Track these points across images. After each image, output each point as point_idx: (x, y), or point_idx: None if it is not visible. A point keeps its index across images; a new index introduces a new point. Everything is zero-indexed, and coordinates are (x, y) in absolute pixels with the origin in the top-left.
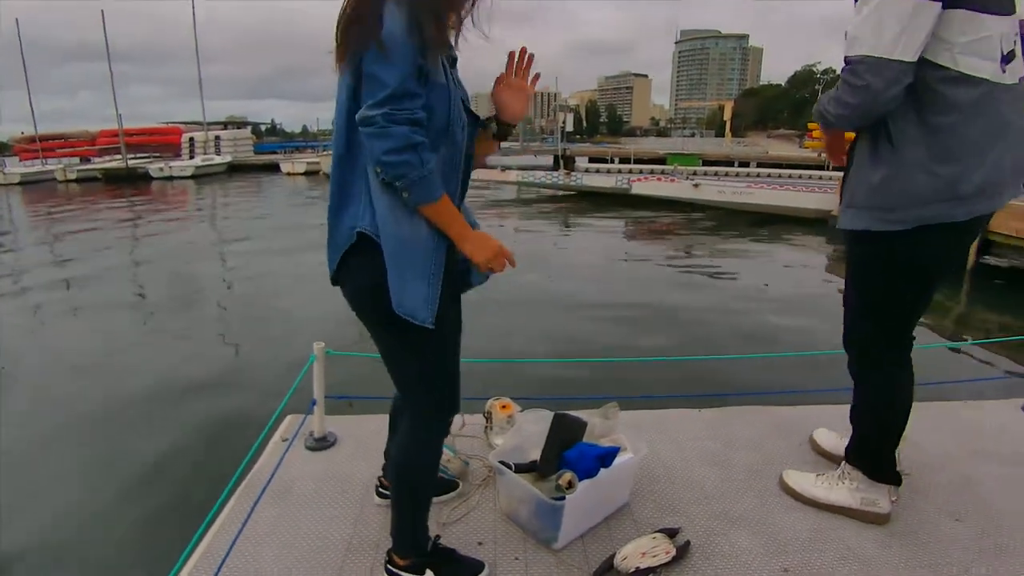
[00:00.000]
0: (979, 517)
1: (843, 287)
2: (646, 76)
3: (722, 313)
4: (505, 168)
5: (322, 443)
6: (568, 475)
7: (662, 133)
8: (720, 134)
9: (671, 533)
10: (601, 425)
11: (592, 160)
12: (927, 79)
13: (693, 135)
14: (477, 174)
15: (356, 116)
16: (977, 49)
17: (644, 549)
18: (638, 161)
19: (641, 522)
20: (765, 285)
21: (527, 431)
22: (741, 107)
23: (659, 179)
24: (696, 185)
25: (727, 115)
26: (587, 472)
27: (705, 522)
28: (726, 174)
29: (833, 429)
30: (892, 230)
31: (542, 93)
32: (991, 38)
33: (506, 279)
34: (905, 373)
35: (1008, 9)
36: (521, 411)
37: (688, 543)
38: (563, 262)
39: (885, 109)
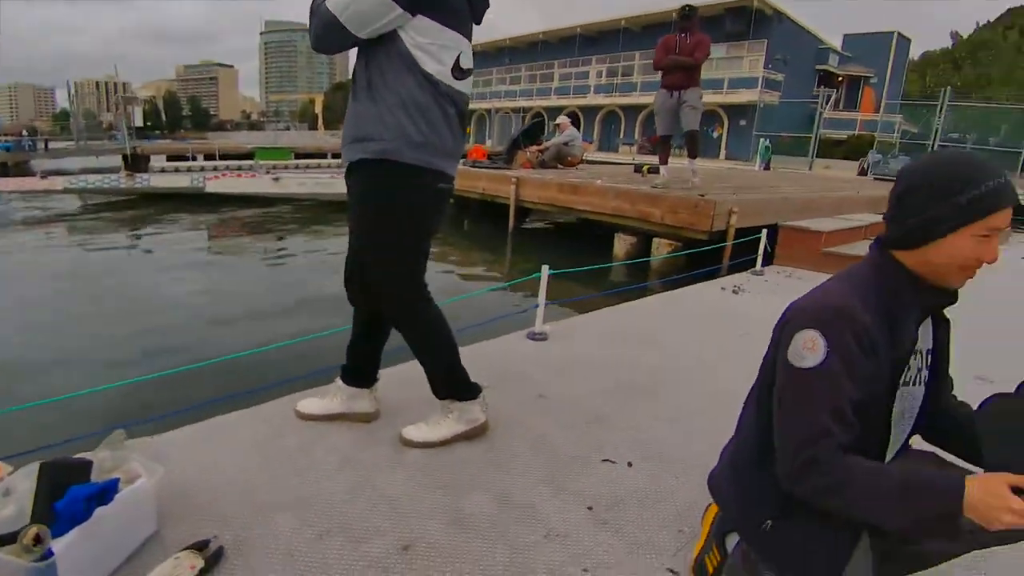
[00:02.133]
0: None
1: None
2: (232, 67)
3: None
4: (47, 174)
5: None
6: (32, 530)
7: (255, 126)
8: (313, 127)
9: (200, 546)
10: (111, 458)
11: (171, 158)
12: None
13: (288, 128)
14: (4, 184)
15: None
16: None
17: (165, 574)
18: (224, 157)
19: (172, 545)
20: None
21: (21, 492)
22: (332, 100)
23: (239, 175)
24: (276, 179)
25: (318, 108)
26: (77, 518)
27: (245, 519)
28: (318, 166)
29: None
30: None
31: (102, 82)
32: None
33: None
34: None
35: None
36: (12, 472)
37: (221, 548)
38: (136, 269)
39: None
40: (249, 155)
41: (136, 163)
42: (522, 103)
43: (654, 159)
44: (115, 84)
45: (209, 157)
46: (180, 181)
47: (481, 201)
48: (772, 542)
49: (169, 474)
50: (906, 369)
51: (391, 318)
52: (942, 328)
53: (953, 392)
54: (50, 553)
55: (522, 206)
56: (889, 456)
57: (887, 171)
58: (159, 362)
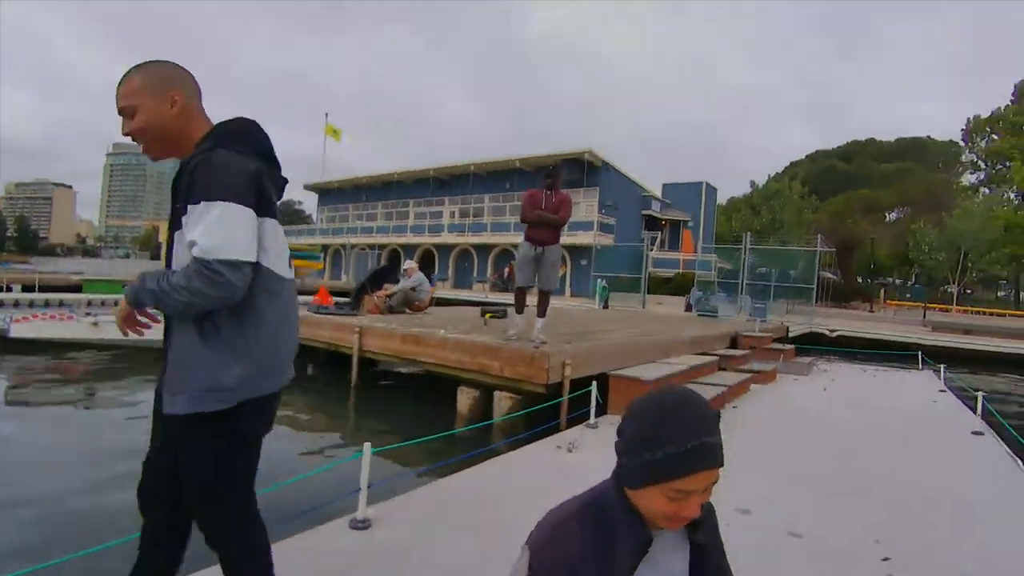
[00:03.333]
0: None
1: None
2: (70, 187)
3: None
4: None
5: None
6: None
7: (89, 252)
8: (156, 256)
9: None
10: None
11: None
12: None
13: (128, 256)
14: None
15: None
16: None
17: None
18: (46, 289)
19: None
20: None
21: None
22: None
23: (52, 317)
24: (96, 323)
25: (163, 236)
26: None
27: None
28: None
29: None
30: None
31: None
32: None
33: None
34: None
35: None
36: None
37: None
38: None
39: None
40: (77, 287)
41: None
42: (378, 239)
43: (507, 296)
44: None
45: (28, 288)
46: None
47: (326, 351)
48: None
49: None
50: None
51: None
52: (696, 554)
53: None
54: None
55: (366, 357)
56: None
57: (708, 308)
58: None
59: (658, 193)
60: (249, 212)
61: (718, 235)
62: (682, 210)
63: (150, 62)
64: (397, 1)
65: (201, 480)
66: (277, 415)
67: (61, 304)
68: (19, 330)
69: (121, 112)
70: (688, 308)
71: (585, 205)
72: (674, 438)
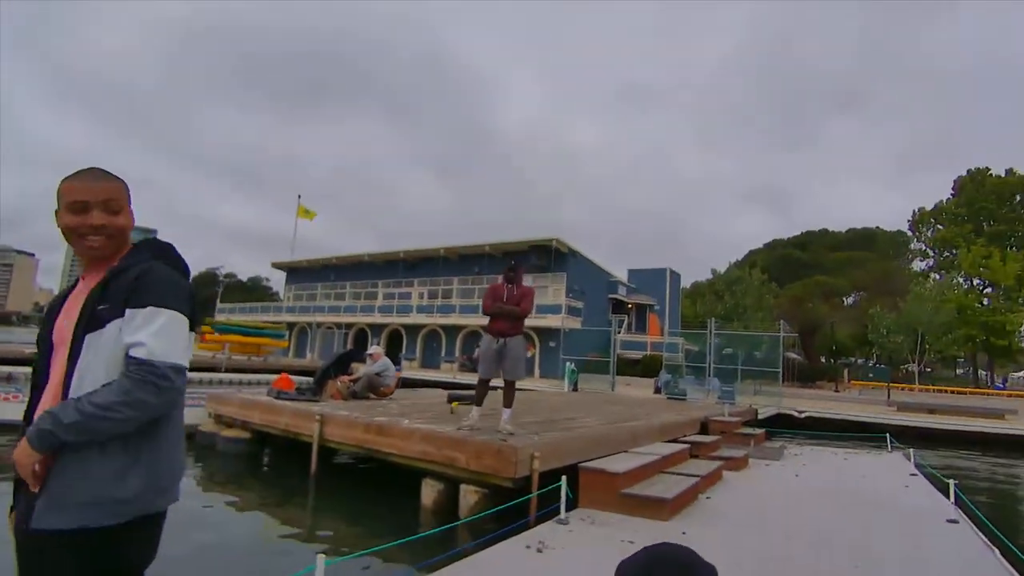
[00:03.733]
0: None
1: None
2: (32, 255)
3: None
4: None
5: None
6: None
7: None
8: None
9: None
10: None
11: None
12: None
13: None
14: None
15: None
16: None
17: None
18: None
19: None
20: None
21: None
22: None
23: (4, 398)
24: None
25: (61, 335)
26: None
27: None
28: None
29: None
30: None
31: None
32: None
33: None
34: None
35: None
36: None
37: None
38: None
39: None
40: (28, 361)
41: None
42: (346, 318)
43: (464, 396)
44: None
45: None
46: None
47: (284, 438)
48: None
49: None
50: None
51: None
52: None
53: None
54: None
55: (327, 446)
56: None
57: (677, 391)
58: None
59: (624, 278)
60: (187, 323)
61: (683, 318)
62: (647, 295)
63: (113, 174)
64: (371, 95)
65: None
66: (232, 505)
67: (9, 379)
68: None
69: (103, 204)
70: (657, 391)
71: (553, 289)
72: None
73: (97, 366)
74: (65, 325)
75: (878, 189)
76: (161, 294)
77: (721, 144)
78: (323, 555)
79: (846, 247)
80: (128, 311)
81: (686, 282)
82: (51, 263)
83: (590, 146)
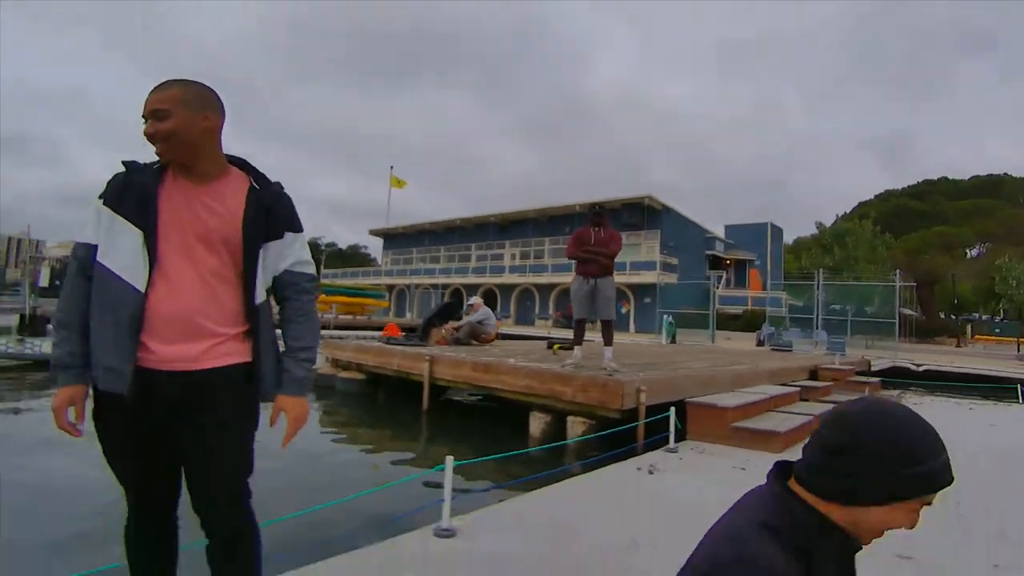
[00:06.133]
0: None
1: None
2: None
3: None
4: None
5: None
6: None
7: None
8: None
9: None
10: None
11: None
12: None
13: None
14: None
15: None
16: None
17: None
18: None
19: None
20: None
21: None
22: None
23: None
24: None
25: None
26: None
27: None
28: None
29: None
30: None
31: (14, 238)
32: None
33: None
34: None
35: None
36: None
37: None
38: None
39: None
40: None
41: (33, 325)
42: (441, 280)
43: (570, 332)
44: (28, 242)
45: None
46: None
47: (396, 378)
48: None
49: None
50: None
51: (236, 536)
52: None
53: None
54: None
55: (436, 384)
56: None
57: (782, 342)
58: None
59: (721, 235)
60: None
61: (786, 274)
62: (746, 250)
63: (193, 80)
64: (462, 66)
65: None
66: (353, 436)
67: None
68: None
69: (151, 114)
70: (760, 343)
71: (646, 246)
72: (934, 452)
73: (263, 277)
74: (187, 219)
75: (1007, 134)
76: (298, 218)
77: (829, 95)
78: (451, 456)
79: (971, 195)
80: (287, 234)
81: (788, 238)
82: None
83: (686, 103)
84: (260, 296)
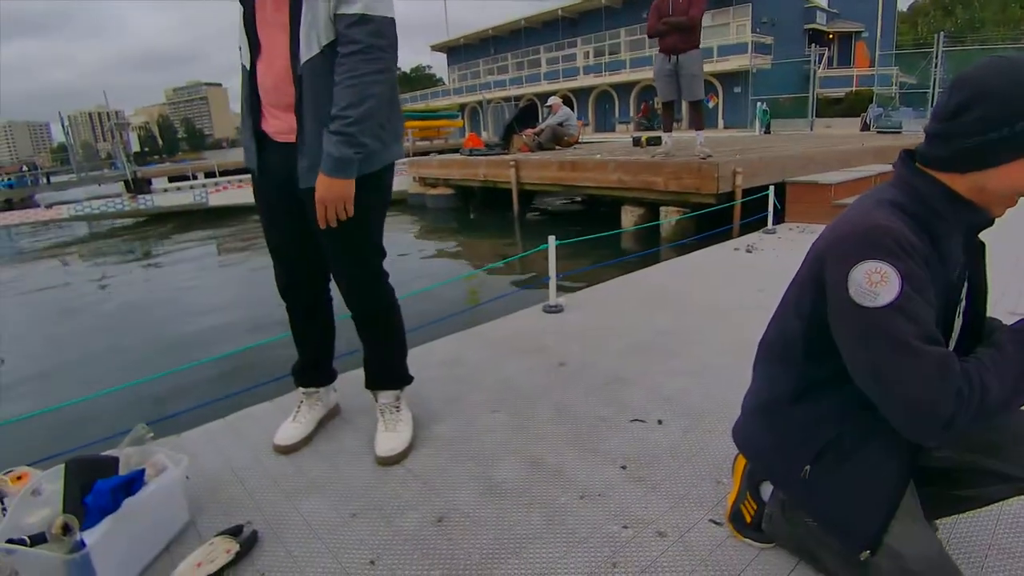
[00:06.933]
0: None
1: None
2: (220, 85)
3: None
4: (52, 204)
5: None
6: (59, 520)
7: None
8: None
9: (235, 531)
10: (137, 453)
11: (172, 179)
12: None
13: None
14: (7, 218)
15: None
16: None
17: (200, 559)
18: (224, 173)
19: (207, 533)
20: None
21: (50, 493)
22: None
23: (239, 187)
24: None
25: None
26: (106, 510)
27: (277, 505)
28: None
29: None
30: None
31: (95, 113)
32: None
33: None
34: None
35: None
36: (43, 472)
37: (255, 532)
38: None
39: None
40: (245, 169)
41: (138, 187)
42: (512, 92)
43: (652, 134)
44: (107, 113)
45: (209, 175)
46: (183, 199)
47: (483, 188)
48: (812, 490)
49: (198, 467)
50: (958, 298)
51: (369, 309)
52: (977, 253)
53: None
54: (82, 544)
55: (524, 189)
56: None
57: (890, 124)
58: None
59: (823, 3)
60: None
61: (899, 46)
62: (853, 20)
63: None
64: None
65: (374, 237)
66: (452, 239)
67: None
68: (216, 199)
69: None
70: (864, 127)
71: (736, 26)
72: None
73: (318, 21)
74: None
75: None
76: None
77: None
78: (553, 236)
79: None
80: None
81: (903, 4)
82: (236, 88)
83: None
84: (310, 49)
